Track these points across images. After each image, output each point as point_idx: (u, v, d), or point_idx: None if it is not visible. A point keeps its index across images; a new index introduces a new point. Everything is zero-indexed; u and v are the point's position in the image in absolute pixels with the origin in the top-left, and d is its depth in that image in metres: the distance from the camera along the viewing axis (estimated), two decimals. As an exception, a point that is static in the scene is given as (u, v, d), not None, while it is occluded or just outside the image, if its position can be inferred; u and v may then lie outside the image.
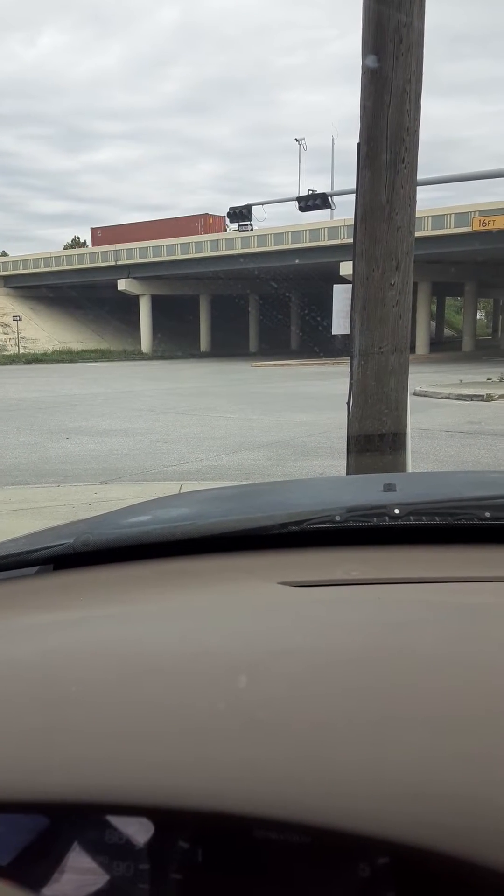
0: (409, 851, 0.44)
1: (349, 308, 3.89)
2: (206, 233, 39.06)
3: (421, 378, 18.07)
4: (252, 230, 23.52)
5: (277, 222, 34.10)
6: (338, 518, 0.88)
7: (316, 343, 30.36)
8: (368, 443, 3.69)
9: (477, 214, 29.27)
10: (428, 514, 0.88)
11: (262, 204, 20.38)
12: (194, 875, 0.48)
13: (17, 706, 0.59)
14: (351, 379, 3.74)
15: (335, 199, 17.43)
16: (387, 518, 0.87)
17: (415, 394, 12.45)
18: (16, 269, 46.10)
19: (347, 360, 3.82)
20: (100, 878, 0.50)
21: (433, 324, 49.04)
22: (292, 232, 35.85)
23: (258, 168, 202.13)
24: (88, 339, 44.70)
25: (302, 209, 17.70)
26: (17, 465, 8.70)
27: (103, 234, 47.55)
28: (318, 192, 17.88)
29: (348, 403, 3.78)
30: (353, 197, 3.67)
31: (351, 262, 3.74)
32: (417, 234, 3.86)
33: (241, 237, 34.22)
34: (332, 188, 21.78)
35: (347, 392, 3.78)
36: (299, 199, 17.75)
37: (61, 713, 0.57)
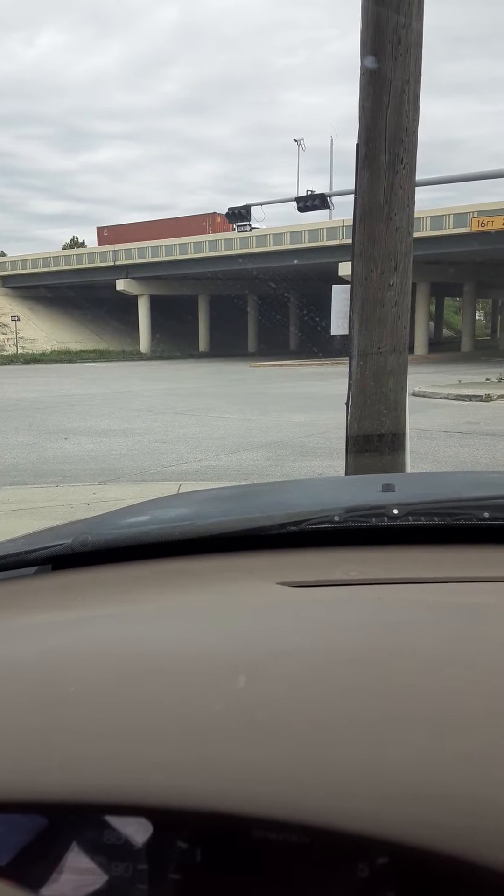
0: (408, 851, 0.44)
1: (348, 308, 3.90)
2: (214, 232, 38.90)
3: (420, 378, 18.08)
4: (251, 230, 23.52)
5: (276, 223, 34.10)
6: (337, 518, 0.88)
7: (315, 343, 30.37)
8: (367, 443, 3.69)
9: (475, 215, 29.30)
10: (427, 514, 0.88)
11: (261, 204, 20.38)
12: (194, 875, 0.48)
13: (15, 706, 0.59)
14: (350, 379, 3.74)
15: (334, 199, 17.43)
16: (386, 518, 0.87)
17: (413, 394, 12.47)
18: (14, 270, 46.08)
19: (346, 360, 3.83)
20: (99, 879, 0.50)
21: (432, 324, 49.08)
22: (291, 232, 35.87)
23: (257, 168, 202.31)
24: (87, 340, 44.70)
25: (301, 210, 17.70)
26: (16, 466, 8.70)
27: (110, 234, 47.45)
28: (317, 192, 17.88)
29: (347, 404, 3.78)
30: (351, 197, 3.68)
31: (350, 263, 3.74)
32: (416, 234, 3.86)
33: (240, 237, 34.23)
34: (330, 189, 21.77)
35: (346, 392, 3.78)
36: (298, 199, 17.75)
37: (60, 713, 0.57)
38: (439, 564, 0.82)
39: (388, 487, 1.06)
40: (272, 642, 0.65)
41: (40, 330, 43.97)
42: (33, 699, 0.60)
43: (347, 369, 3.77)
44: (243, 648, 0.65)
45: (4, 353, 39.41)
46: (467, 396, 15.97)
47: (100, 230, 49.29)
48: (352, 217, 3.68)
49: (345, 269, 26.53)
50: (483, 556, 0.84)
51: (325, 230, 33.81)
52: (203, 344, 45.46)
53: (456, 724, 0.51)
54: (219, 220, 40.69)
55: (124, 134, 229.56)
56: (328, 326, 4.73)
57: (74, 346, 42.69)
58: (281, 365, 32.11)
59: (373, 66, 3.37)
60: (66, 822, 0.51)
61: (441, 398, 16.04)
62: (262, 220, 21.87)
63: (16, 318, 41.29)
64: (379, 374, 3.63)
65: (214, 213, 39.48)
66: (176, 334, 44.84)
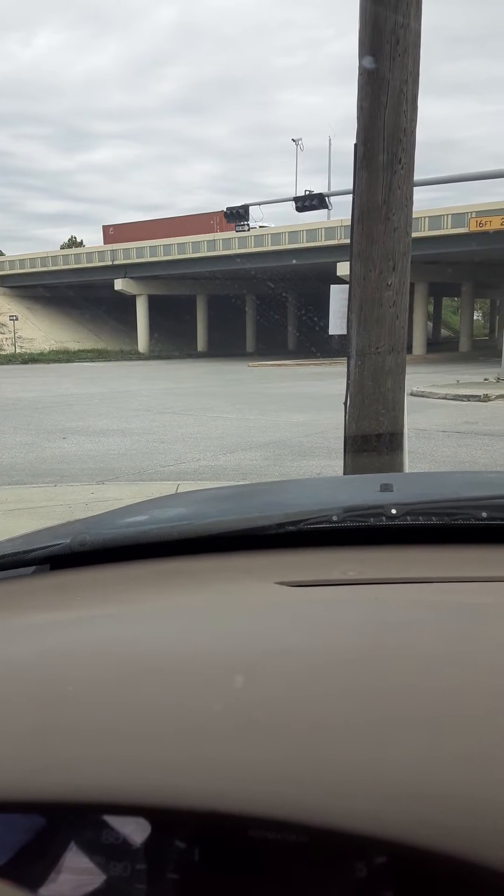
0: (407, 851, 0.44)
1: (346, 308, 3.90)
2: (222, 230, 38.66)
3: (418, 378, 18.09)
4: (248, 230, 23.51)
5: (274, 223, 34.10)
6: (335, 518, 0.88)
7: (313, 343, 30.37)
8: (365, 443, 3.69)
9: (474, 215, 29.32)
10: (425, 514, 0.88)
11: (260, 204, 20.40)
12: (192, 875, 0.49)
13: (14, 706, 0.59)
14: (348, 379, 3.74)
15: (332, 199, 17.44)
16: (384, 518, 0.87)
17: (412, 394, 12.49)
18: (12, 269, 46.02)
19: (344, 360, 3.83)
20: (97, 878, 0.50)
21: (430, 324, 49.09)
22: (289, 232, 35.86)
23: (255, 168, 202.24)
24: (85, 339, 44.66)
25: (299, 209, 17.70)
26: (14, 465, 8.69)
27: (116, 232, 47.11)
28: (315, 192, 17.89)
29: (345, 404, 3.78)
30: (350, 197, 3.68)
31: (348, 263, 3.74)
32: (414, 234, 3.86)
33: (238, 237, 34.20)
34: (329, 188, 21.78)
35: (344, 392, 3.78)
36: (296, 199, 17.76)
37: (58, 713, 0.57)
38: (437, 564, 0.82)
39: (386, 487, 1.06)
40: (270, 642, 0.65)
41: (38, 329, 43.93)
42: (31, 699, 0.60)
43: (345, 369, 3.77)
44: (242, 648, 0.65)
45: (3, 352, 39.36)
46: (465, 396, 15.98)
47: (105, 228, 49.03)
48: (350, 217, 3.68)
49: (343, 268, 26.53)
50: (481, 555, 0.84)
51: (323, 230, 33.81)
52: (201, 344, 45.44)
53: (454, 723, 0.51)
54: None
55: (122, 134, 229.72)
56: (326, 326, 4.74)
57: (73, 345, 42.65)
58: (279, 365, 32.11)
59: (371, 66, 3.37)
60: (65, 821, 0.51)
61: (439, 398, 16.05)
62: (261, 219, 21.77)
63: (14, 318, 41.24)
64: (377, 374, 3.63)
65: (223, 210, 39.18)
66: (174, 334, 44.82)
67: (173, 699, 0.57)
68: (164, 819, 0.50)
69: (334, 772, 0.48)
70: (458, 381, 19.06)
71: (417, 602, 0.72)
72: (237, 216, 19.79)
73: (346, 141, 3.64)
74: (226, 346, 43.27)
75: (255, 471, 8.14)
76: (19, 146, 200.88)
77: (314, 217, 29.52)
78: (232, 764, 0.50)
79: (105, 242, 46.52)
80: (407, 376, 3.82)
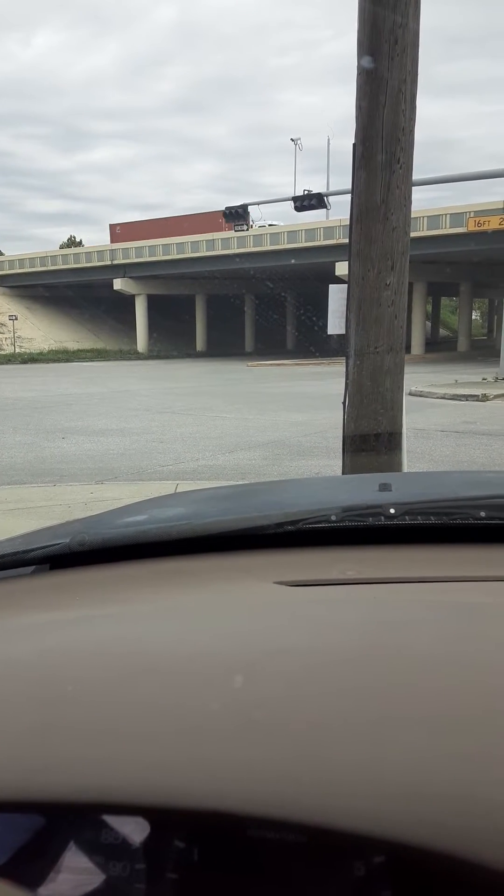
0: (405, 850, 0.44)
1: (345, 308, 3.90)
2: (230, 229, 38.50)
3: (416, 378, 18.10)
4: (254, 228, 23.46)
5: (280, 222, 33.96)
6: (334, 518, 0.88)
7: (312, 343, 30.37)
8: (364, 442, 3.69)
9: (472, 215, 29.32)
10: (423, 513, 0.88)
11: (258, 204, 20.39)
12: (191, 874, 0.49)
13: (13, 706, 0.59)
14: (346, 379, 3.74)
15: (331, 199, 17.44)
16: (382, 518, 0.87)
17: (410, 394, 12.47)
18: (12, 269, 45.98)
19: (343, 359, 3.83)
20: (97, 878, 0.50)
21: (428, 324, 49.07)
22: (288, 232, 35.84)
23: (254, 168, 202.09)
24: (84, 339, 44.63)
25: (298, 209, 17.70)
26: (13, 465, 8.68)
27: (123, 230, 46.81)
28: (314, 192, 17.88)
29: (344, 403, 3.78)
30: (348, 197, 3.68)
31: (346, 262, 3.74)
32: (413, 234, 3.86)
33: (237, 237, 34.18)
34: (327, 188, 21.78)
35: (343, 392, 3.78)
36: (295, 199, 17.76)
37: (58, 713, 0.57)
38: (436, 564, 0.82)
39: (384, 487, 1.06)
40: (269, 641, 0.66)
41: (38, 329, 43.89)
42: (31, 698, 0.60)
43: (344, 369, 3.77)
44: (241, 648, 0.65)
45: (2, 352, 39.32)
46: (464, 396, 15.98)
47: (112, 227, 48.70)
48: (349, 217, 3.68)
49: (342, 268, 26.50)
50: (480, 555, 0.84)
51: (321, 230, 33.80)
52: (200, 343, 45.42)
53: (452, 723, 0.51)
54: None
55: (121, 133, 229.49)
56: (325, 326, 4.74)
57: (72, 345, 42.62)
58: (278, 364, 32.10)
59: (369, 66, 3.37)
60: (64, 821, 0.52)
61: (437, 398, 16.05)
62: (260, 219, 21.62)
63: (13, 318, 41.21)
64: (376, 374, 3.63)
65: (247, 207, 38.08)
66: (173, 334, 44.80)
67: (172, 699, 0.57)
68: (163, 819, 0.50)
69: (333, 771, 0.48)
70: (456, 381, 19.06)
71: (416, 601, 0.72)
72: (236, 216, 19.79)
73: (345, 141, 3.64)
74: (225, 345, 43.25)
75: (253, 470, 8.14)
76: (19, 146, 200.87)
77: (313, 217, 29.51)
78: (231, 763, 0.50)
79: (112, 241, 46.16)
80: (405, 376, 3.82)
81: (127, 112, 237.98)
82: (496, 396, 15.73)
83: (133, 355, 40.83)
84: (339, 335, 4.39)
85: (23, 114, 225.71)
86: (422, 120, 3.54)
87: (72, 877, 0.50)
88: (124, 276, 41.95)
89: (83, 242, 65.44)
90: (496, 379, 19.57)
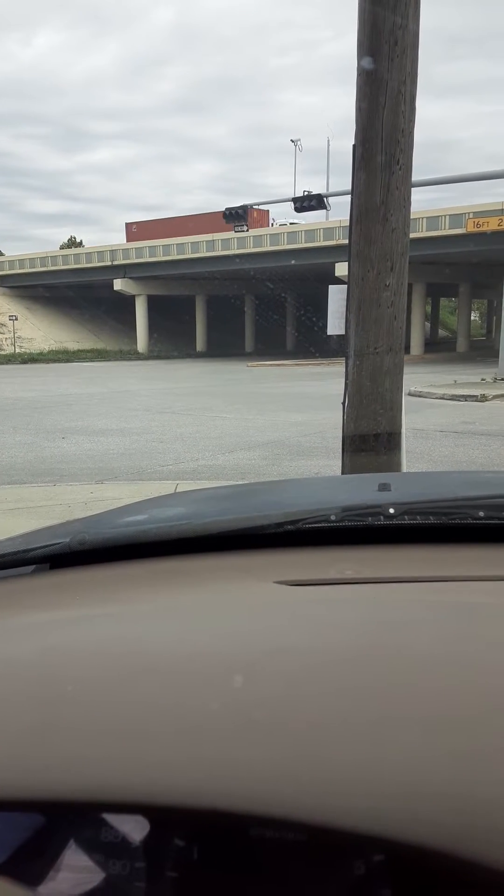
0: (404, 849, 0.44)
1: (344, 308, 3.90)
2: (250, 228, 38.15)
3: (415, 378, 18.10)
4: (247, 231, 23.50)
5: (294, 221, 33.88)
6: (333, 518, 0.88)
7: (311, 343, 30.37)
8: (363, 443, 3.69)
9: (471, 216, 29.33)
10: (423, 513, 0.88)
11: (258, 205, 20.40)
12: (191, 873, 0.49)
13: (13, 705, 0.59)
14: (346, 379, 3.74)
15: (331, 200, 17.43)
16: (382, 517, 0.87)
17: (409, 394, 12.47)
18: (12, 269, 45.97)
19: (343, 360, 3.83)
20: (97, 877, 0.50)
21: (428, 324, 49.06)
22: (288, 233, 35.85)
23: (254, 169, 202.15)
24: (85, 339, 44.62)
25: (297, 210, 17.70)
26: (13, 465, 8.68)
27: (139, 230, 46.53)
28: (314, 192, 17.89)
29: (343, 403, 3.78)
30: (348, 198, 3.68)
31: (346, 263, 3.74)
32: (412, 235, 3.87)
33: (237, 238, 34.17)
34: (327, 189, 21.79)
35: (342, 392, 3.78)
36: (295, 199, 17.76)
37: (58, 712, 0.57)
38: (435, 563, 0.83)
39: (384, 487, 1.06)
40: (269, 641, 0.66)
41: (38, 329, 43.88)
42: (31, 698, 0.60)
43: (344, 369, 3.77)
44: (240, 647, 0.65)
45: (2, 352, 39.31)
46: (463, 396, 15.99)
47: (128, 226, 48.43)
48: (348, 218, 3.68)
49: (341, 269, 26.52)
50: (479, 555, 0.84)
51: (321, 231, 33.80)
52: (200, 344, 45.41)
53: (451, 722, 0.51)
54: (255, 214, 39.34)
55: (121, 134, 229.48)
56: (325, 326, 4.74)
57: (72, 345, 42.61)
58: (278, 365, 32.10)
59: (369, 67, 3.38)
60: (64, 820, 0.52)
61: (437, 398, 16.06)
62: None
63: (13, 318, 41.21)
64: (375, 374, 3.64)
65: (249, 207, 37.48)
66: (173, 334, 44.79)
67: (172, 698, 0.58)
68: (163, 817, 0.50)
69: (332, 770, 0.49)
70: (455, 381, 19.06)
71: (415, 601, 0.72)
72: (236, 217, 19.78)
73: (345, 141, 3.64)
74: (225, 346, 43.25)
75: (253, 470, 8.14)
76: (19, 146, 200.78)
77: (313, 217, 29.53)
78: (230, 763, 0.50)
79: (128, 240, 45.85)
80: (405, 376, 3.82)
81: (127, 112, 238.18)
82: (495, 397, 15.73)
83: (133, 356, 40.82)
84: (338, 336, 4.40)
85: (23, 114, 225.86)
86: (421, 121, 3.54)
87: (72, 875, 0.50)
88: (124, 277, 41.94)
89: (83, 243, 65.45)
90: (495, 379, 19.57)
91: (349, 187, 3.64)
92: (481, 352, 37.95)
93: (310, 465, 8.38)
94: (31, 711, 0.58)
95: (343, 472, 3.87)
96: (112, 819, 0.51)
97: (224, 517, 0.95)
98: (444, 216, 30.37)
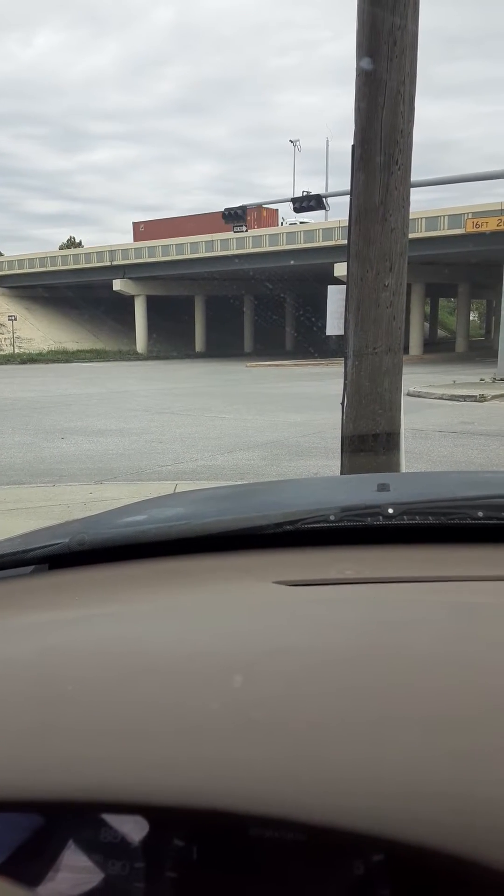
0: (404, 849, 0.44)
1: (343, 309, 3.90)
2: (259, 227, 37.85)
3: (414, 379, 18.11)
4: (246, 231, 23.51)
5: (305, 220, 33.80)
6: (332, 518, 0.88)
7: (310, 344, 30.39)
8: (362, 443, 3.70)
9: (470, 216, 29.36)
10: (422, 513, 0.88)
11: (258, 205, 20.40)
12: (191, 873, 0.49)
13: (12, 705, 0.59)
14: (345, 379, 3.74)
15: (329, 200, 17.45)
16: (381, 518, 0.87)
17: (408, 394, 12.50)
18: (11, 269, 45.97)
19: (342, 360, 3.83)
20: (96, 877, 0.50)
21: (427, 325, 49.08)
22: (287, 233, 35.86)
23: (253, 169, 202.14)
24: (84, 340, 44.62)
25: (297, 210, 17.72)
26: (12, 465, 8.68)
27: (147, 229, 46.42)
28: (313, 193, 17.91)
29: (342, 404, 3.78)
30: (347, 198, 3.68)
31: (345, 264, 3.75)
32: (411, 235, 3.87)
33: (236, 238, 34.18)
34: (326, 189, 21.82)
35: (341, 392, 3.79)
36: (294, 200, 17.78)
37: (57, 712, 0.57)
38: (434, 563, 0.83)
39: (383, 487, 1.06)
40: (269, 641, 0.66)
41: (37, 329, 43.88)
42: (30, 698, 0.60)
43: (343, 369, 3.78)
44: (240, 647, 0.65)
45: (1, 352, 39.30)
46: (462, 397, 15.99)
47: (136, 225, 48.28)
48: (347, 218, 3.68)
49: (340, 269, 26.55)
50: (478, 555, 0.84)
51: (320, 231, 33.82)
52: (199, 344, 45.42)
53: (451, 722, 0.51)
54: (265, 214, 39.14)
55: (120, 134, 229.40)
56: (324, 327, 4.74)
57: (71, 345, 42.61)
58: (277, 365, 32.11)
59: (368, 68, 3.38)
60: (63, 820, 0.52)
61: (436, 398, 16.06)
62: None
63: (13, 318, 41.20)
64: (374, 374, 3.64)
65: (260, 206, 34.94)
66: (172, 334, 44.79)
67: (172, 698, 0.58)
68: (163, 817, 0.50)
69: (332, 770, 0.49)
70: (454, 382, 19.07)
71: (415, 601, 0.72)
72: (235, 217, 19.78)
73: (345, 142, 3.64)
74: (224, 346, 43.25)
75: (252, 471, 8.14)
76: (18, 146, 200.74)
77: (312, 218, 29.51)
78: (230, 763, 0.50)
79: (135, 239, 45.72)
80: (404, 376, 3.82)
81: (126, 113, 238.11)
82: (494, 397, 15.74)
83: (132, 356, 40.82)
84: (337, 336, 4.40)
85: (22, 114, 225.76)
86: (420, 121, 3.54)
87: (72, 876, 0.50)
88: (124, 277, 41.94)
89: (83, 243, 65.52)
90: (494, 380, 19.58)
91: (348, 188, 3.65)
92: (480, 352, 37.98)
93: (309, 465, 8.38)
94: (30, 712, 0.58)
95: (342, 473, 3.87)
96: (112, 819, 0.51)
97: (223, 517, 0.95)
98: (443, 216, 30.39)
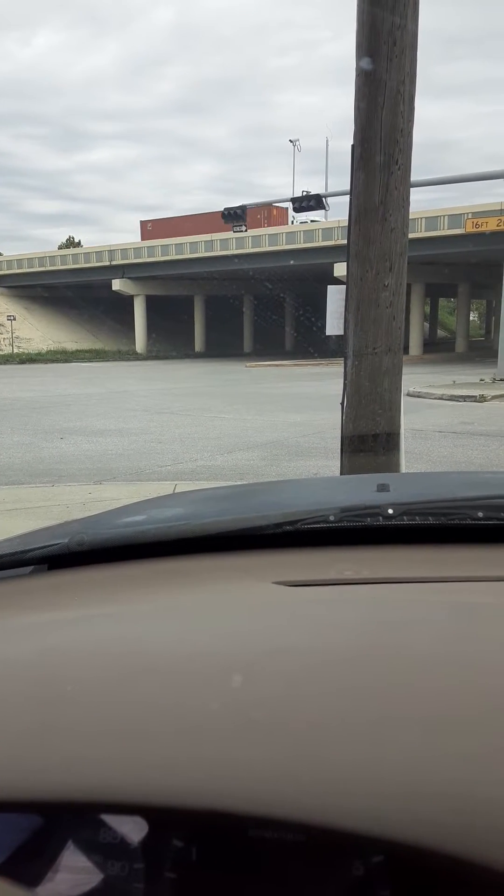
0: (404, 850, 0.44)
1: (343, 309, 3.90)
2: (269, 225, 37.69)
3: (414, 379, 18.11)
4: (245, 231, 23.53)
5: (315, 218, 33.75)
6: (332, 518, 0.88)
7: (310, 344, 30.39)
8: (362, 443, 3.69)
9: (470, 216, 29.37)
10: (421, 514, 0.88)
11: (257, 205, 20.41)
12: (190, 874, 0.49)
13: (12, 706, 0.59)
14: (345, 379, 3.74)
15: (329, 200, 17.47)
16: (381, 518, 0.87)
17: (408, 394, 12.50)
18: (10, 269, 45.96)
19: (341, 360, 3.83)
20: (96, 877, 0.50)
21: (426, 325, 49.10)
22: (287, 233, 35.86)
23: (253, 169, 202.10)
24: (83, 339, 44.62)
25: (296, 210, 17.76)
26: (11, 465, 8.68)
27: (154, 227, 46.21)
28: (313, 193, 17.92)
29: (342, 404, 3.78)
30: (347, 198, 3.68)
31: (345, 263, 3.74)
32: (411, 235, 3.87)
33: (236, 238, 34.18)
34: (326, 189, 21.84)
35: (341, 392, 3.79)
36: (294, 200, 17.80)
37: (57, 712, 0.57)
38: (434, 564, 0.83)
39: (382, 487, 1.06)
40: (268, 641, 0.66)
41: (36, 329, 43.88)
42: (29, 699, 0.60)
43: (342, 369, 3.78)
44: (239, 648, 0.65)
45: (1, 352, 39.30)
46: (461, 397, 16.00)
47: (143, 224, 48.09)
48: (347, 218, 3.68)
49: (340, 269, 26.56)
50: (478, 555, 0.84)
51: (320, 231, 33.82)
52: (199, 344, 45.43)
53: (450, 722, 0.51)
54: (275, 213, 39.15)
55: (120, 134, 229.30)
56: (324, 327, 4.74)
57: (70, 345, 42.61)
58: (276, 365, 32.11)
59: (368, 68, 3.38)
60: (63, 820, 0.52)
61: (435, 398, 16.07)
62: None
63: (12, 318, 41.20)
64: (374, 375, 3.64)
65: (271, 205, 34.77)
66: (172, 334, 44.80)
67: (171, 698, 0.58)
68: (163, 818, 0.50)
69: (332, 771, 0.49)
70: (454, 382, 19.08)
71: (414, 601, 0.72)
72: (234, 217, 19.79)
73: (344, 142, 3.65)
74: (223, 346, 43.25)
75: (252, 471, 8.14)
76: (18, 146, 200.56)
77: (311, 217, 29.49)
78: (230, 763, 0.50)
79: (143, 238, 45.54)
80: (403, 377, 3.82)
81: (126, 112, 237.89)
82: (494, 397, 15.75)
83: (131, 356, 40.82)
84: (337, 336, 4.40)
85: (22, 114, 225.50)
86: (420, 121, 3.54)
87: (71, 876, 0.50)
88: (123, 277, 41.94)
89: (82, 243, 65.50)
90: (494, 380, 19.58)
91: (348, 187, 3.65)
92: (480, 352, 37.99)
93: (308, 465, 8.38)
94: (29, 712, 0.58)
95: (342, 473, 3.87)
96: (111, 820, 0.50)
97: (223, 518, 0.95)
98: (443, 216, 30.41)
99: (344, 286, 3.91)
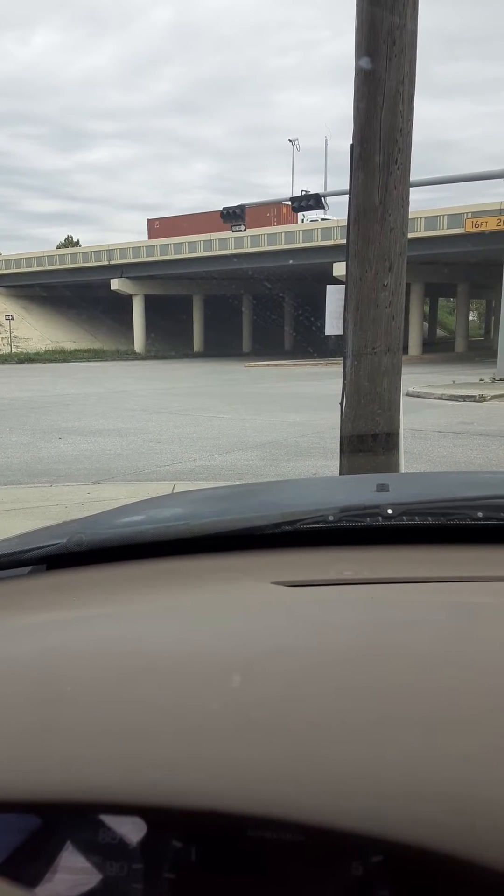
0: (404, 850, 0.44)
1: (342, 309, 3.90)
2: (279, 224, 37.53)
3: (414, 379, 18.11)
4: (244, 230, 23.54)
5: (326, 217, 33.57)
6: (331, 518, 0.88)
7: (309, 343, 30.40)
8: (361, 443, 3.69)
9: (470, 216, 29.39)
10: (421, 514, 0.88)
11: (256, 205, 20.42)
12: (190, 874, 0.49)
13: (11, 706, 0.59)
14: (344, 379, 3.74)
15: (328, 199, 17.49)
16: (380, 518, 0.87)
17: (407, 394, 12.49)
18: (9, 269, 45.94)
19: (341, 360, 3.83)
20: (95, 878, 0.50)
21: (426, 325, 49.13)
22: (286, 232, 35.86)
23: (252, 168, 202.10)
24: (81, 339, 44.61)
25: (295, 210, 17.78)
26: (10, 465, 8.67)
27: (161, 226, 46.14)
28: (312, 192, 17.93)
29: (341, 404, 3.78)
30: (346, 198, 3.68)
31: (344, 263, 3.75)
32: (410, 235, 3.87)
33: (235, 237, 34.18)
34: (325, 189, 21.84)
35: (340, 392, 3.79)
36: (293, 199, 17.81)
37: (56, 713, 0.57)
38: (433, 564, 0.83)
39: (382, 487, 1.06)
40: (267, 641, 0.66)
41: (35, 329, 43.86)
42: (29, 699, 0.60)
43: (342, 369, 3.78)
44: (239, 648, 0.65)
45: (-1, 352, 39.33)
46: (461, 397, 16.01)
47: (150, 222, 47.99)
48: (346, 217, 3.68)
49: (339, 269, 26.57)
50: (477, 555, 0.84)
51: (319, 230, 33.83)
52: (198, 344, 45.42)
53: (450, 722, 0.51)
54: (284, 210, 38.87)
55: (119, 133, 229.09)
56: (323, 326, 4.74)
57: (69, 345, 42.60)
58: (276, 365, 32.12)
59: (367, 67, 3.38)
60: (63, 821, 0.52)
61: (435, 398, 16.08)
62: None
63: (10, 318, 41.17)
64: (373, 374, 3.64)
65: (281, 203, 32.77)
66: (171, 334, 44.79)
67: (171, 698, 0.57)
68: (162, 818, 0.50)
69: (332, 771, 0.49)
70: (453, 382, 19.08)
71: (414, 602, 0.72)
72: (233, 216, 19.79)
73: (343, 141, 3.65)
74: (222, 346, 43.24)
75: (251, 471, 8.14)
76: (16, 145, 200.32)
77: (311, 217, 29.47)
78: (230, 763, 0.50)
79: (150, 237, 45.44)
80: (403, 376, 3.82)
81: (125, 112, 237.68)
82: (493, 397, 15.76)
83: (130, 355, 40.82)
84: (336, 336, 4.40)
85: (21, 113, 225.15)
86: (420, 121, 3.54)
87: (71, 877, 0.50)
88: (122, 277, 41.92)
89: (80, 242, 65.46)
90: (493, 380, 19.59)
91: (347, 187, 3.65)
92: (480, 352, 38.01)
93: (307, 465, 8.38)
94: (28, 712, 0.58)
95: (341, 473, 3.87)
96: (111, 820, 0.50)
97: (221, 518, 0.95)
98: (443, 216, 30.42)
99: (343, 286, 3.91)
